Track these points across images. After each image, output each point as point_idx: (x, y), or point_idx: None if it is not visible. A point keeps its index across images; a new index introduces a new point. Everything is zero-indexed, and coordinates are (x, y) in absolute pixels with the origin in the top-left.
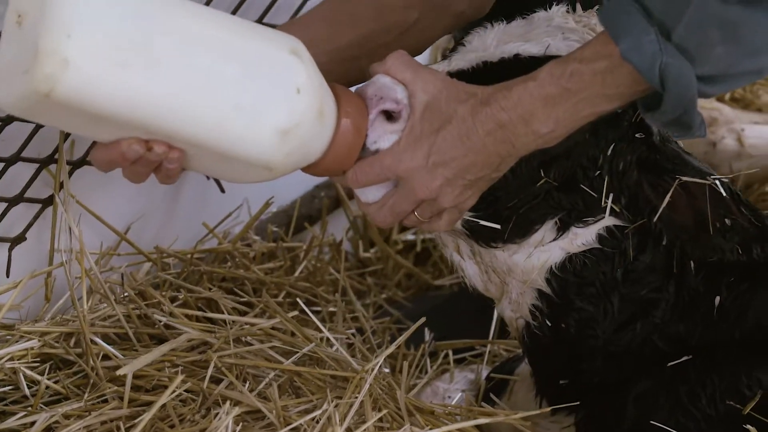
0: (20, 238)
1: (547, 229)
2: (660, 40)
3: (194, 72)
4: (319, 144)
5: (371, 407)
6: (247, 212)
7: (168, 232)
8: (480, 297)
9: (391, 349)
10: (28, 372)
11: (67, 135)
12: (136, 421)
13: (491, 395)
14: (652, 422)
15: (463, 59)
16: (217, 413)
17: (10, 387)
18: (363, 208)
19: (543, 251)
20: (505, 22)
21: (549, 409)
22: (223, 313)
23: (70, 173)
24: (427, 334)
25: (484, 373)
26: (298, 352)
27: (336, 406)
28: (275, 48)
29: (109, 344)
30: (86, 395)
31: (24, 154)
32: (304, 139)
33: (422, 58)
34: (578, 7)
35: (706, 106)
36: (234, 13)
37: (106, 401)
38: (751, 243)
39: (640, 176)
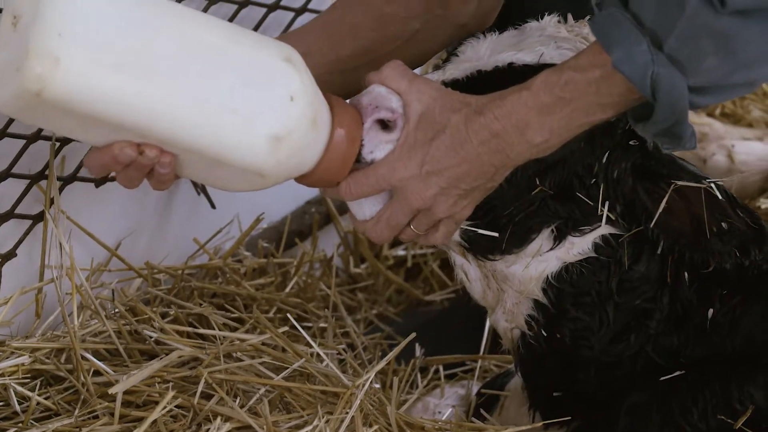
0: (11, 254)
1: (544, 239)
2: (652, 51)
3: (187, 76)
4: (313, 153)
5: (362, 423)
6: (237, 228)
7: (159, 247)
8: (471, 312)
9: (382, 364)
10: (19, 388)
11: (58, 151)
12: None
13: (482, 411)
14: None
15: (458, 69)
16: (208, 429)
17: (0, 403)
18: (359, 226)
19: (540, 261)
20: (497, 32)
21: (541, 423)
22: (213, 328)
23: (61, 189)
24: (418, 350)
25: (475, 389)
26: (288, 367)
27: (326, 421)
28: (269, 55)
29: (99, 360)
30: (77, 411)
31: (14, 170)
32: (298, 147)
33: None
34: (569, 17)
35: (696, 122)
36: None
37: (96, 417)
38: (749, 245)
39: (635, 183)
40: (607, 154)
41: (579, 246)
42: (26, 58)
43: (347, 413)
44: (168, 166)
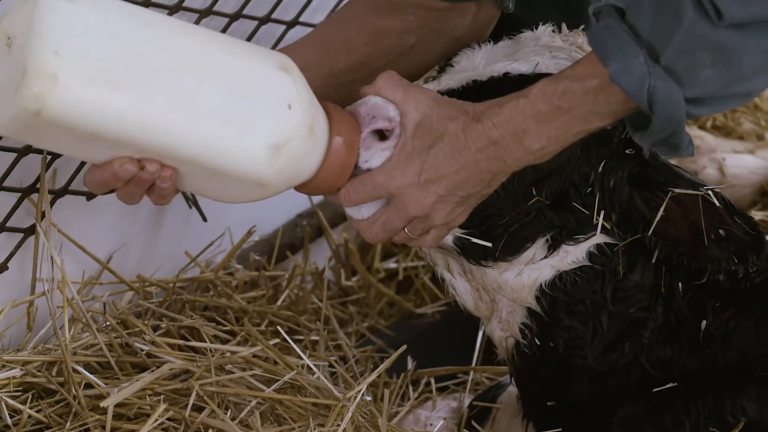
0: (2, 268)
1: (538, 247)
2: (648, 63)
3: (184, 89)
4: (312, 161)
5: None
6: (229, 241)
7: (150, 261)
8: (462, 325)
9: (373, 376)
10: (10, 401)
11: (49, 164)
12: None
13: (473, 423)
14: None
15: (453, 79)
16: None
17: None
18: (354, 224)
19: (533, 269)
20: (492, 42)
21: None
22: (205, 341)
23: (52, 203)
24: (410, 362)
25: (467, 401)
26: (279, 379)
27: None
28: (264, 64)
29: (91, 373)
30: (68, 424)
31: (5, 184)
32: (296, 155)
33: None
34: (563, 27)
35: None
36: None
37: (88, 430)
38: (747, 252)
39: (632, 191)
40: (603, 162)
41: (573, 254)
42: (24, 77)
43: (338, 425)
44: (169, 180)
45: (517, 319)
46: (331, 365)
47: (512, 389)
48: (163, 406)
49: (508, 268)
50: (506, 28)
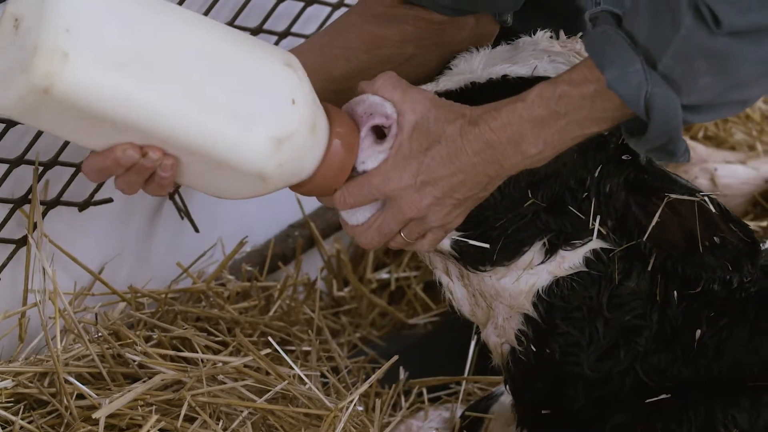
0: None
1: (536, 252)
2: (646, 69)
3: (192, 77)
4: (312, 159)
5: None
6: (221, 252)
7: (142, 271)
8: (455, 335)
9: (365, 386)
10: (2, 412)
11: (41, 175)
12: None
13: None
14: None
15: (451, 81)
16: None
17: None
18: (349, 230)
19: (531, 274)
20: (490, 47)
21: None
22: (197, 351)
23: (44, 213)
24: (402, 373)
25: (459, 412)
26: (271, 390)
27: None
28: (271, 59)
29: (83, 384)
30: None
31: None
32: (298, 151)
33: None
34: (561, 33)
35: None
36: None
37: None
38: (742, 259)
39: (628, 197)
40: (599, 168)
41: (570, 260)
42: (34, 54)
43: None
44: (170, 170)
45: (513, 326)
46: (323, 375)
47: (504, 400)
48: (155, 417)
49: (506, 273)
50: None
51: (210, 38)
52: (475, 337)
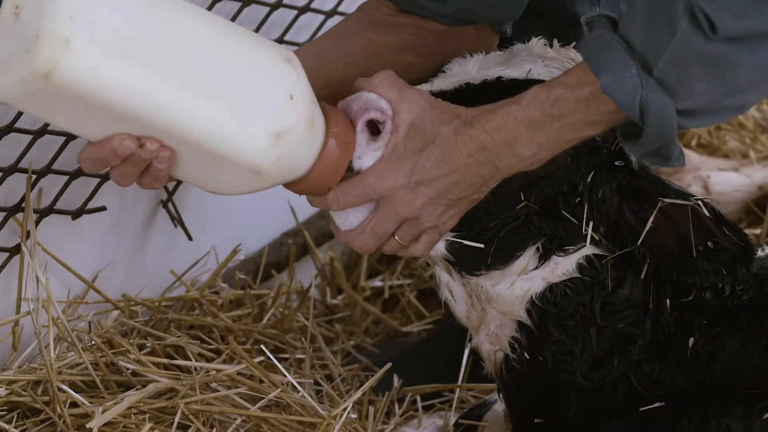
0: None
1: (530, 256)
2: (641, 74)
3: (192, 69)
4: (308, 156)
5: None
6: (214, 260)
7: (136, 280)
8: (448, 343)
9: (358, 394)
10: None
11: (34, 184)
12: None
13: None
14: None
15: (445, 82)
16: None
17: None
18: (342, 236)
19: (525, 280)
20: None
21: None
22: (190, 359)
23: (37, 222)
24: (396, 380)
25: (452, 420)
26: (265, 398)
27: None
28: (270, 54)
29: (76, 392)
30: None
31: None
32: (295, 147)
33: None
34: (555, 42)
35: None
36: None
37: None
38: (736, 264)
39: (621, 203)
40: (592, 173)
41: (563, 266)
42: (36, 40)
43: None
44: (166, 162)
45: (506, 333)
46: (317, 383)
47: (498, 407)
48: (148, 425)
49: (501, 278)
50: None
51: (211, 31)
52: (469, 344)
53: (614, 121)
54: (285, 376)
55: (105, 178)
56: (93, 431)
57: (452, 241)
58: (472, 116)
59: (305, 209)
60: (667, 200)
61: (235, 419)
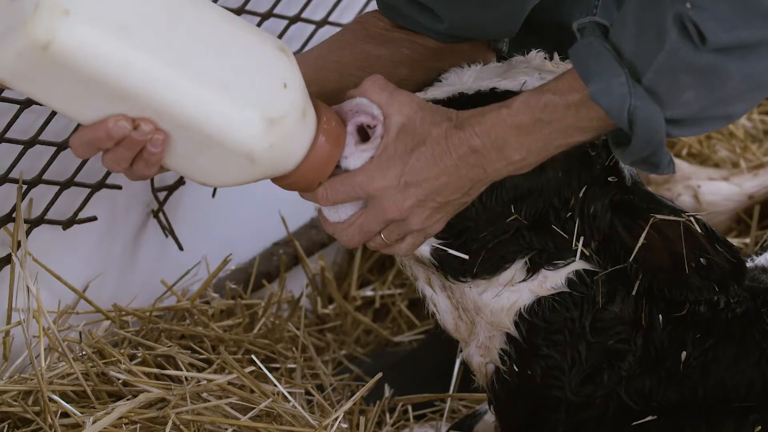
0: None
1: (517, 269)
2: (630, 83)
3: (189, 48)
4: (300, 147)
5: None
6: (205, 270)
7: (126, 290)
8: (440, 353)
9: (349, 404)
10: None
11: (25, 194)
12: None
13: None
14: None
15: (440, 91)
16: None
17: None
18: (329, 228)
19: (512, 291)
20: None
21: None
22: (181, 369)
23: (28, 232)
24: (387, 390)
25: (444, 429)
26: (255, 407)
27: None
28: (265, 42)
29: (67, 402)
30: None
31: None
32: (288, 134)
33: None
34: (555, 55)
35: None
36: None
37: None
38: (728, 280)
39: (613, 218)
40: (584, 188)
41: (552, 280)
42: (35, 11)
43: None
44: (160, 145)
45: (496, 345)
46: (308, 393)
47: (488, 418)
48: None
49: (487, 288)
50: None
51: (209, 14)
52: (460, 354)
53: (603, 127)
54: (276, 386)
55: (96, 188)
56: None
57: (437, 247)
58: (462, 119)
59: (296, 219)
60: (660, 216)
61: (226, 429)
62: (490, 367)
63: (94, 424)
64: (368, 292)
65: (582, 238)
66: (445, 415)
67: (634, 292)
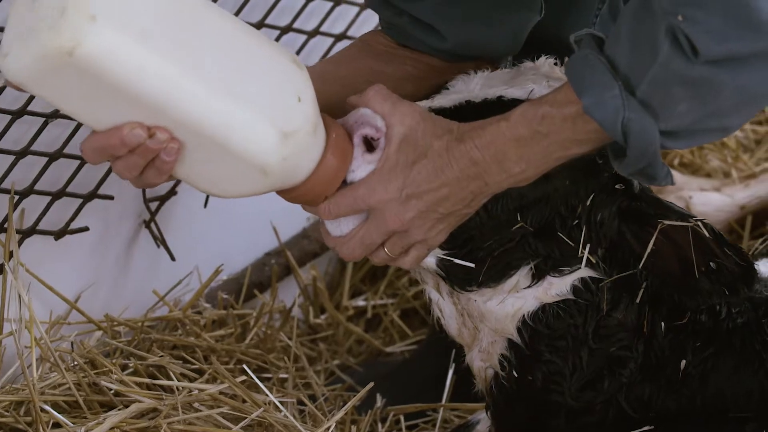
0: None
1: (522, 275)
2: (624, 96)
3: (209, 59)
4: (310, 160)
5: None
6: (197, 280)
7: (118, 300)
8: (432, 363)
9: (341, 413)
10: None
11: (17, 204)
12: None
13: None
14: None
15: (446, 99)
16: None
17: None
18: (330, 242)
19: (517, 298)
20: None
21: None
22: (172, 379)
23: (20, 242)
24: (379, 400)
25: None
26: (247, 417)
27: None
28: (280, 55)
29: (59, 412)
30: None
31: None
32: (300, 148)
33: None
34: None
35: None
36: None
37: None
38: (738, 284)
39: (621, 226)
40: (591, 196)
41: (557, 287)
42: (63, 15)
43: None
44: (174, 154)
45: (497, 350)
46: (300, 402)
47: (481, 428)
48: None
49: (492, 296)
50: None
51: (227, 26)
52: (453, 365)
53: (600, 140)
54: (268, 395)
55: (88, 198)
56: None
57: (443, 258)
58: (463, 131)
59: (288, 229)
60: (668, 222)
61: None
62: (489, 372)
63: None
64: (360, 302)
65: (588, 246)
66: (437, 426)
67: (638, 299)
